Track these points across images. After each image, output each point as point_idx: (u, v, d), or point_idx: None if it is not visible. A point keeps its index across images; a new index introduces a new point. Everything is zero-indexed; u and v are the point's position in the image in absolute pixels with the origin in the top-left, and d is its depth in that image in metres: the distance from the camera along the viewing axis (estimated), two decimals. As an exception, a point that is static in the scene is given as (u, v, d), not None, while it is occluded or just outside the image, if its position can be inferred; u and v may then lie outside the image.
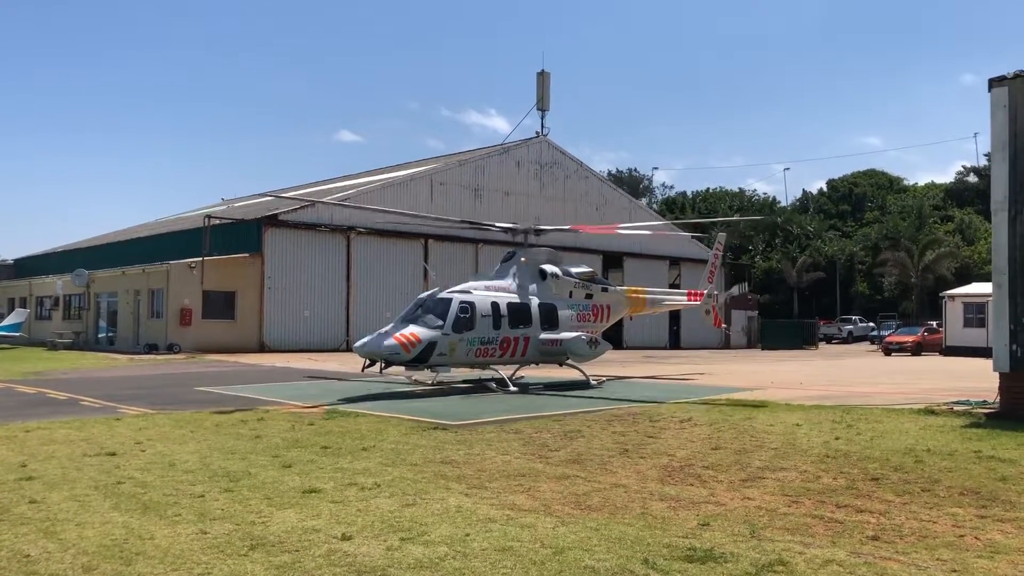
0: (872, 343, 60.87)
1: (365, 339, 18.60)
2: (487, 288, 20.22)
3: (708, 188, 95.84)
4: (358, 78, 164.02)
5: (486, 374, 20.75)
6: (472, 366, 20.62)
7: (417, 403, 16.39)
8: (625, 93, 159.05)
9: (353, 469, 9.27)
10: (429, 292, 20.00)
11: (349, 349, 39.27)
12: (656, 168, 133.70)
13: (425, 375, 20.24)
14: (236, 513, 7.24)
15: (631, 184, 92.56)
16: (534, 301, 20.69)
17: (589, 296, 22.34)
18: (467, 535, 6.53)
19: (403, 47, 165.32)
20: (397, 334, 18.17)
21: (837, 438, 11.35)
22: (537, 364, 21.80)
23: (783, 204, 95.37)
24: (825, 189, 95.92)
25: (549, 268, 21.48)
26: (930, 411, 14.19)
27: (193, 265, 38.12)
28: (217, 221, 41.81)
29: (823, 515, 7.31)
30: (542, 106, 52.12)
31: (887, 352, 46.43)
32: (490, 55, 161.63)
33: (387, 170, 55.92)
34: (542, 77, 52.23)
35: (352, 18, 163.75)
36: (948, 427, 12.41)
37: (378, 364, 18.38)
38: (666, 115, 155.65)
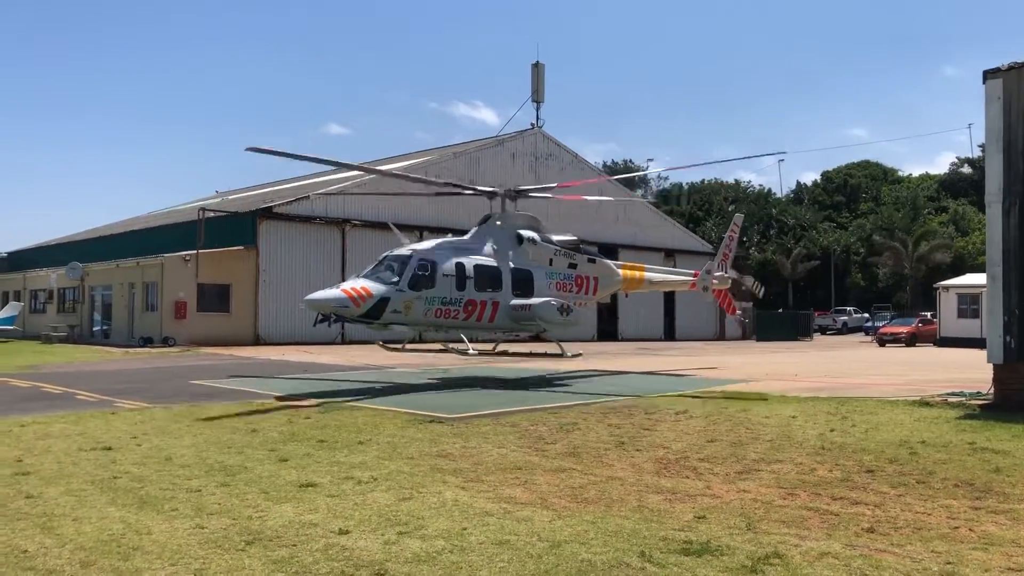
0: (867, 334, 61.10)
1: (316, 292, 18.08)
2: (455, 248, 19.27)
3: (703, 180, 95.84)
4: (344, 71, 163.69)
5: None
6: (434, 328, 19.79)
7: (413, 396, 16.38)
8: (614, 84, 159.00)
9: (350, 463, 9.28)
10: (393, 248, 19.14)
11: (345, 342, 39.38)
12: (652, 159, 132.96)
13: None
14: (233, 507, 7.24)
15: (627, 176, 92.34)
16: (506, 266, 19.72)
17: (573, 266, 21.24)
18: (464, 529, 6.55)
19: (389, 39, 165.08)
20: (347, 287, 17.58)
21: (832, 430, 11.39)
22: (509, 332, 21.13)
23: (778, 195, 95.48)
24: (819, 180, 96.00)
25: (527, 233, 20.39)
26: (925, 403, 14.25)
27: (188, 258, 38.06)
28: (211, 214, 41.73)
29: (819, 507, 7.34)
30: (537, 98, 52.04)
31: (881, 343, 46.63)
32: (476, 47, 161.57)
33: (382, 162, 55.81)
34: (537, 69, 52.14)
35: (339, 10, 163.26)
36: (943, 419, 12.47)
37: (329, 319, 17.83)
38: (654, 106, 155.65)
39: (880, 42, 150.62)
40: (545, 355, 22.27)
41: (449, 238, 20.55)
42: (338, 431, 11.62)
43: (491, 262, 19.50)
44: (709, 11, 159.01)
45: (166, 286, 37.84)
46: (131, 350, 34.23)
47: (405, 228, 42.19)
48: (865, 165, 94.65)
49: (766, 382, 18.97)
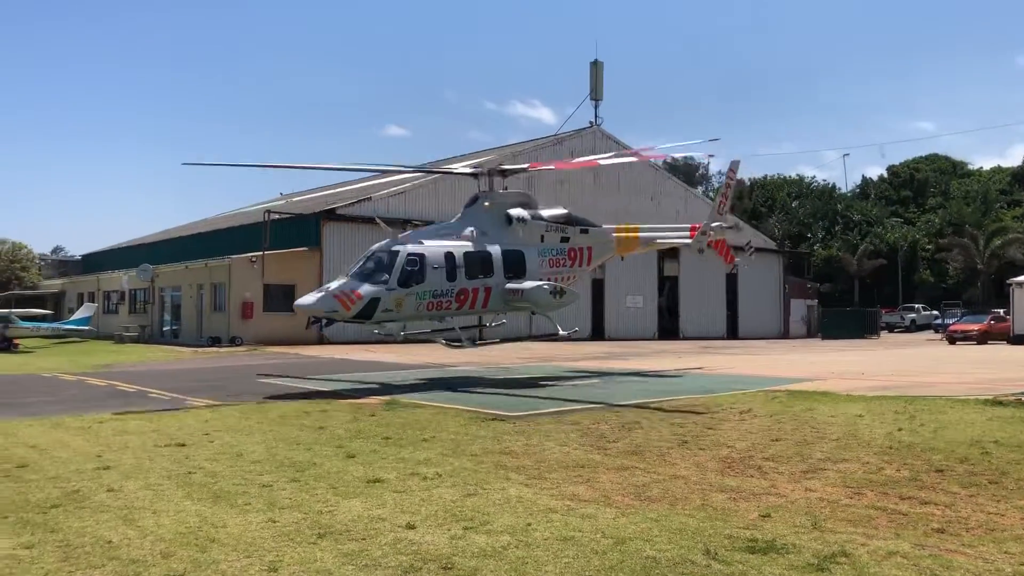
0: (936, 332, 59.48)
1: (306, 296, 18.09)
2: (443, 237, 18.96)
3: (765, 175, 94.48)
4: (403, 72, 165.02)
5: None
6: (427, 320, 19.58)
7: (475, 395, 16.53)
8: (673, 80, 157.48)
9: (415, 459, 9.43)
10: (380, 244, 18.79)
11: (406, 341, 39.71)
12: (712, 156, 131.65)
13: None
14: (303, 502, 7.44)
15: (686, 173, 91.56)
16: (497, 249, 19.28)
17: (565, 239, 20.76)
18: (529, 525, 6.63)
19: (446, 40, 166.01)
20: (336, 290, 17.51)
21: (900, 429, 11.19)
22: (503, 314, 20.78)
23: (843, 190, 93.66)
24: (885, 175, 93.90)
25: (515, 212, 19.89)
26: (997, 402, 13.87)
27: (254, 259, 38.85)
28: (276, 216, 42.50)
29: (886, 507, 7.25)
30: (595, 96, 51.89)
31: (952, 341, 45.39)
32: (534, 46, 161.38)
33: (439, 164, 56.23)
34: (595, 67, 52.02)
35: (397, 11, 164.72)
36: (1016, 418, 12.13)
37: (320, 322, 18.04)
38: (714, 102, 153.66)
39: (946, 33, 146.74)
40: (542, 337, 22.46)
41: (437, 225, 20.21)
42: (402, 428, 11.80)
43: (480, 247, 19.11)
44: (770, 5, 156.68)
45: (233, 287, 38.69)
46: (200, 350, 35.10)
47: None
48: (933, 159, 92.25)
49: (832, 380, 18.67)
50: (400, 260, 17.84)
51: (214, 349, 35.47)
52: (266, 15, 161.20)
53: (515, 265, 19.50)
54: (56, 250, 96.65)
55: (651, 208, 50.82)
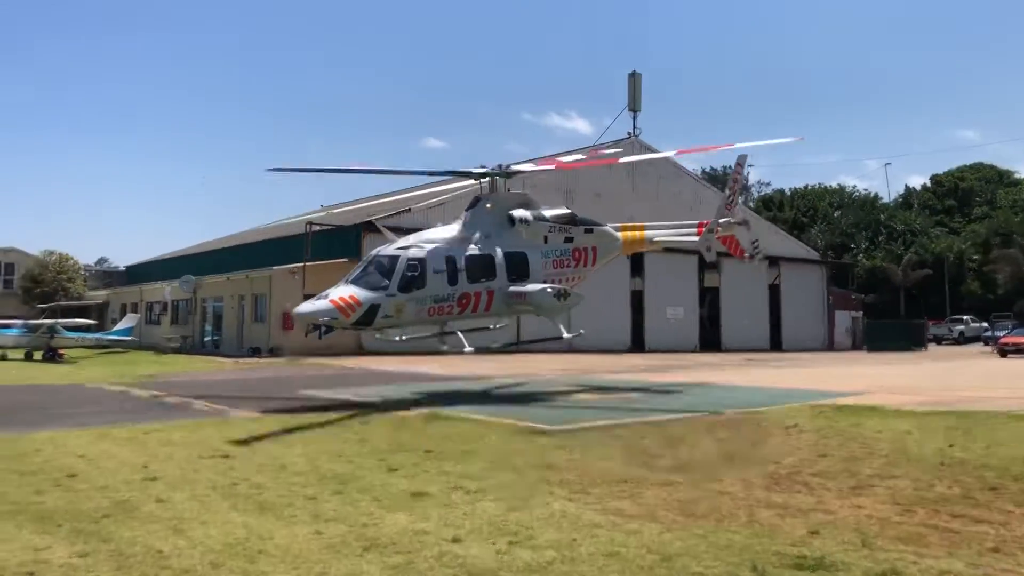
0: (986, 344, 58.22)
1: (305, 304, 17.91)
2: (444, 241, 18.61)
3: (806, 185, 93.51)
4: (440, 85, 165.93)
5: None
6: (429, 325, 19.49)
7: (516, 407, 16.51)
8: (711, 91, 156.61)
9: (458, 473, 9.43)
10: (380, 249, 18.67)
11: (446, 352, 39.83)
12: (752, 166, 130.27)
13: None
14: (348, 515, 7.46)
15: (725, 183, 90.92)
16: (499, 251, 18.93)
17: (569, 240, 20.32)
18: (574, 540, 6.59)
19: (482, 52, 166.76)
20: (335, 297, 17.24)
21: (951, 445, 10.96)
22: (506, 317, 20.35)
23: (885, 200, 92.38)
24: (929, 184, 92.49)
25: (518, 213, 19.46)
26: (1052, 417, 13.56)
27: (295, 271, 39.22)
28: (318, 227, 42.90)
29: (938, 525, 7.10)
30: (633, 107, 51.80)
31: (1003, 354, 44.36)
32: (570, 57, 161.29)
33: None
34: (633, 78, 51.95)
35: (432, 26, 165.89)
36: (1072, 434, 11.84)
37: (319, 329, 17.94)
38: (753, 112, 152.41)
39: (990, 39, 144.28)
40: (545, 340, 21.93)
41: (437, 229, 19.72)
42: (444, 441, 11.80)
43: (482, 250, 18.76)
44: (809, 13, 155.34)
45: (274, 298, 39.09)
46: (240, 360, 35.48)
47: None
48: (977, 168, 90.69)
49: (879, 395, 18.35)
50: (400, 265, 17.65)
51: (255, 360, 35.84)
52: (303, 31, 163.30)
53: (518, 267, 19.15)
54: (101, 261, 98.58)
55: (690, 218, 50.38)
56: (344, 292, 17.30)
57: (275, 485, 8.81)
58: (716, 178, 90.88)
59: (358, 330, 18.47)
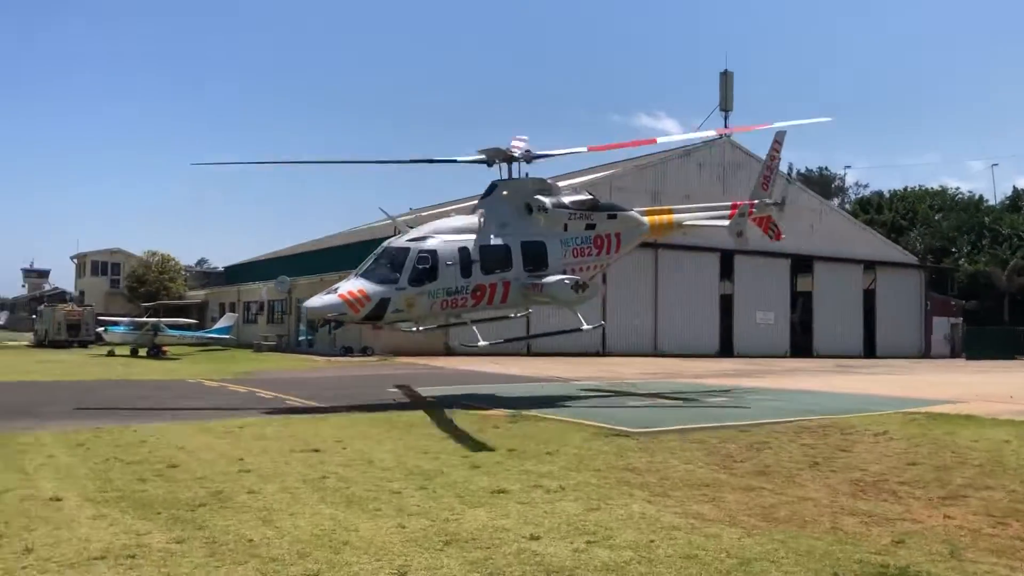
0: (1097, 353, 55.42)
1: (314, 298, 17.53)
2: (457, 231, 17.90)
3: (906, 187, 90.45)
4: (529, 88, 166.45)
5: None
6: (443, 318, 18.96)
7: (598, 409, 16.52)
8: (805, 88, 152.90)
9: (538, 472, 9.54)
10: (391, 240, 18.04)
11: (530, 354, 40.08)
12: (848, 167, 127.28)
13: None
14: (431, 510, 7.65)
15: (821, 184, 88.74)
16: (515, 240, 18.22)
17: (591, 227, 19.39)
18: (651, 541, 6.62)
19: (571, 53, 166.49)
20: (344, 291, 16.83)
21: (1051, 457, 10.55)
22: (524, 308, 19.75)
23: (991, 202, 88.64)
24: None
25: (536, 200, 18.65)
26: None
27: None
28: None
29: (1034, 538, 6.87)
30: (725, 106, 51.06)
31: (1113, 363, 42.19)
32: (659, 57, 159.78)
33: (566, 176, 56.51)
34: (725, 77, 51.23)
35: (518, 29, 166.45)
36: None
37: (330, 324, 17.73)
38: (852, 110, 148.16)
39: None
40: (563, 331, 22.04)
41: (452, 219, 18.87)
42: (526, 441, 11.93)
43: (497, 240, 18.08)
44: (908, 12, 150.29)
45: (365, 299, 39.80)
46: (333, 359, 36.37)
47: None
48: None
49: (976, 403, 17.70)
50: (411, 258, 17.13)
51: (346, 359, 36.68)
52: (420, 42, 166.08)
53: (535, 257, 18.43)
54: (200, 262, 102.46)
55: (783, 221, 49.30)
56: (353, 286, 16.93)
57: (362, 479, 9.07)
58: (811, 179, 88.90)
59: (368, 324, 18.19)
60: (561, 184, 23.99)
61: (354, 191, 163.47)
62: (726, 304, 49.55)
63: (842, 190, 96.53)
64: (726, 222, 22.26)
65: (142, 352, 40.20)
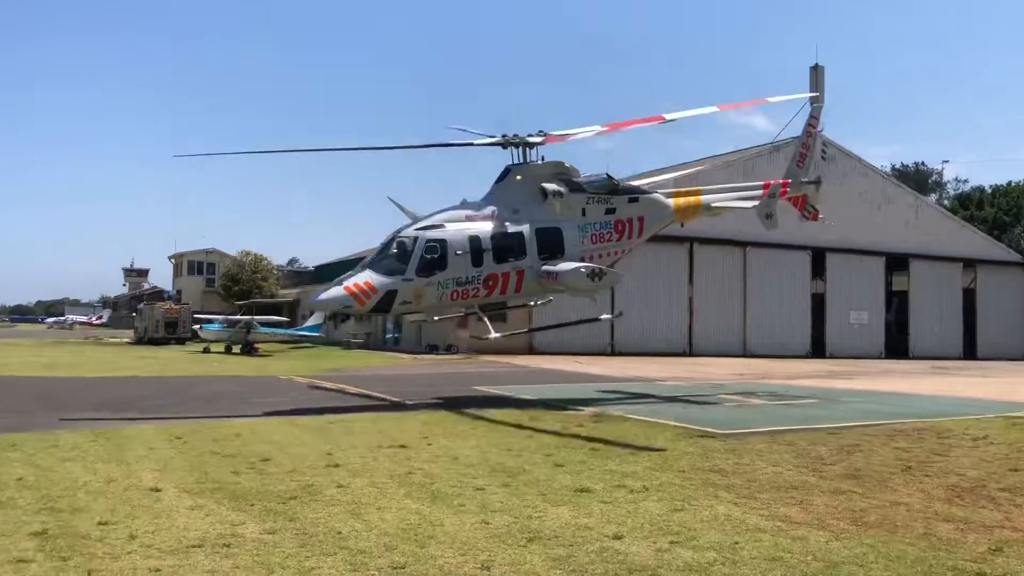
0: None
1: (320, 291, 17.27)
2: (467, 218, 17.32)
3: (1009, 181, 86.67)
4: (617, 83, 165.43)
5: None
6: (454, 309, 18.58)
7: (683, 409, 16.36)
8: (901, 83, 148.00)
9: (622, 472, 9.52)
10: (399, 229, 17.45)
11: (614, 353, 39.94)
12: (946, 161, 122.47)
13: None
14: (514, 507, 7.73)
15: (917, 179, 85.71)
16: (529, 227, 17.60)
17: (611, 211, 18.71)
18: (736, 543, 6.55)
19: (658, 49, 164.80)
20: (350, 283, 16.51)
21: None
22: (541, 297, 19.04)
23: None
24: None
25: (551, 186, 17.92)
26: None
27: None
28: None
29: None
30: (816, 101, 49.79)
31: None
32: (750, 52, 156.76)
33: (651, 174, 55.95)
34: (816, 71, 49.92)
35: (605, 26, 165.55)
36: None
37: (337, 316, 17.55)
38: (949, 105, 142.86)
39: None
40: (580, 321, 22.33)
41: (464, 206, 18.06)
42: (609, 441, 11.90)
43: (511, 227, 17.47)
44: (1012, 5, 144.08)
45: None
46: (418, 356, 36.88)
47: (672, 240, 42.33)
48: None
49: (1084, 408, 16.90)
50: (419, 248, 16.66)
51: (432, 356, 37.15)
52: (469, 46, 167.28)
53: (551, 244, 17.83)
54: (291, 261, 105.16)
55: (878, 216, 48.03)
56: (359, 278, 16.61)
57: (447, 475, 9.20)
58: (907, 175, 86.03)
59: (376, 315, 18.03)
60: (645, 182, 23.66)
61: (435, 191, 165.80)
62: (818, 304, 48.33)
63: (940, 185, 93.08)
64: (757, 203, 21.22)
65: (236, 349, 41.45)
